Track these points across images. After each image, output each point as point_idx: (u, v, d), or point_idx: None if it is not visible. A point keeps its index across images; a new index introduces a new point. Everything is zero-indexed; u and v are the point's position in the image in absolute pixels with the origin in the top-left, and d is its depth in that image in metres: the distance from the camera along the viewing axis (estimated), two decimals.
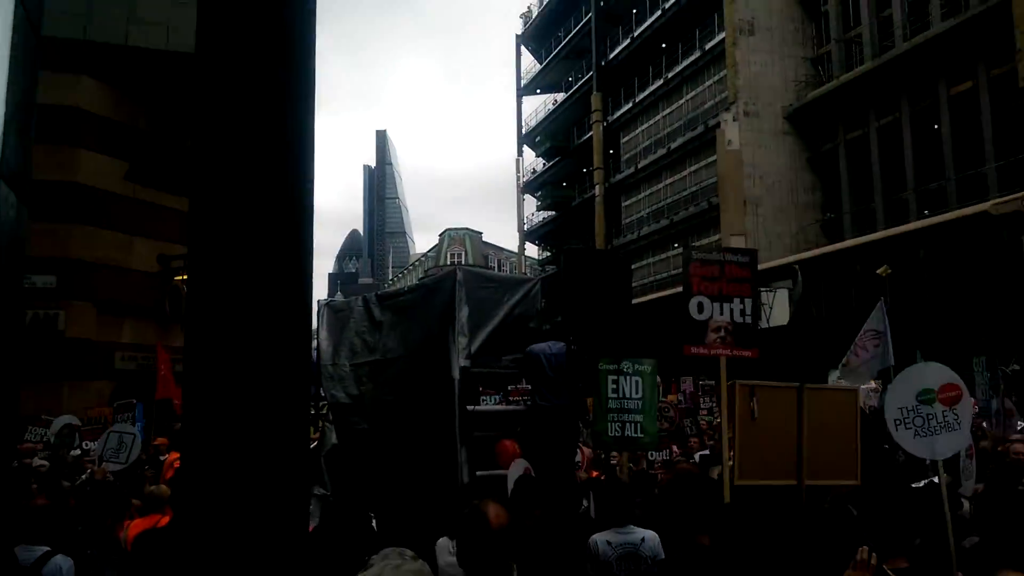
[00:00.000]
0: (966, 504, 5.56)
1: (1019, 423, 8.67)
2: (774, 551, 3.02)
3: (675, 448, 9.97)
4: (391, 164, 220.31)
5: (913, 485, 5.75)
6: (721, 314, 4.63)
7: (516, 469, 6.43)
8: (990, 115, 27.44)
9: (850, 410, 4.79)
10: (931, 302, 28.23)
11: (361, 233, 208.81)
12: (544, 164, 55.68)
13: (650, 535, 4.93)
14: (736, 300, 4.67)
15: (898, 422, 4.61)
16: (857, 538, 3.64)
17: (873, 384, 11.13)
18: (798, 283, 6.58)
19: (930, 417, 4.56)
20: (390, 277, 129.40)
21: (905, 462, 6.18)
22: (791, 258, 29.41)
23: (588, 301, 7.14)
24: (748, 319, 4.65)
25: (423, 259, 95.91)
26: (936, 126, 29.89)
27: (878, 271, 26.94)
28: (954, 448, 4.90)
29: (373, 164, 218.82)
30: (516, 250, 59.21)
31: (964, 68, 28.05)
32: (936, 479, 6.51)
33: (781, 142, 35.78)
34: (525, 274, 47.60)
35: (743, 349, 4.61)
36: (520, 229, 56.27)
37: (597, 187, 45.89)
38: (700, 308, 4.64)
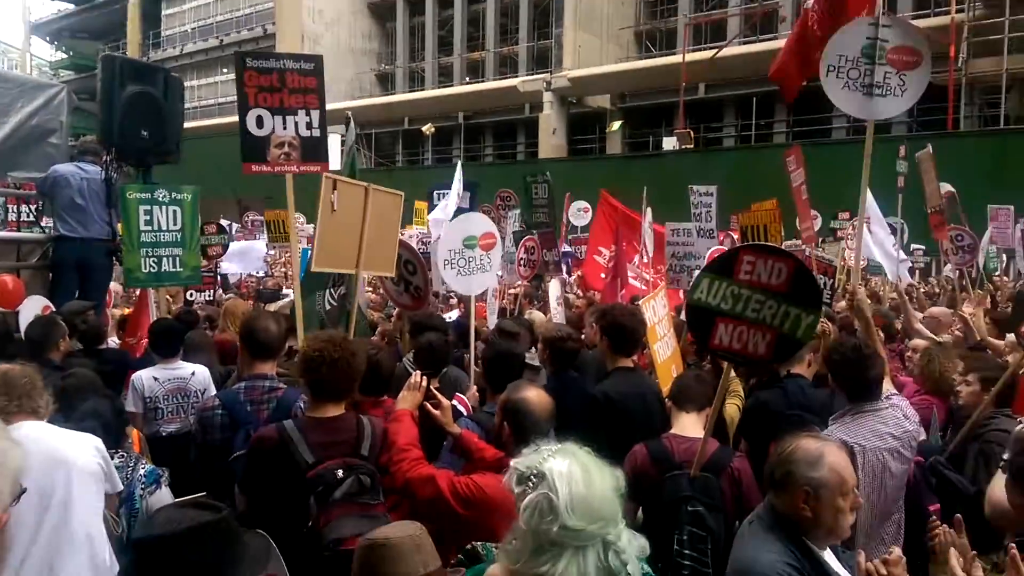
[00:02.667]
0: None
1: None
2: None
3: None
4: None
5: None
6: (284, 128, 4.17)
7: (32, 306, 5.53)
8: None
9: (396, 213, 5.11)
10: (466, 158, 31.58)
11: None
12: None
13: (200, 369, 4.81)
14: (301, 112, 4.24)
15: (446, 262, 5.20)
16: None
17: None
18: (350, 130, 6.60)
19: (471, 259, 5.27)
20: None
21: None
22: (346, 103, 29.67)
23: (132, 118, 6.19)
24: (316, 132, 4.26)
25: None
26: None
27: (423, 129, 29.19)
28: (485, 286, 5.71)
29: None
30: (19, 46, 48.19)
31: None
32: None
33: None
34: (32, 75, 39.21)
35: (311, 164, 4.29)
36: (25, 19, 45.85)
37: None
38: (259, 122, 4.12)
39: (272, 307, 6.09)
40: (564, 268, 11.06)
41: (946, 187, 10.75)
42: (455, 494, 2.87)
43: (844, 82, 4.00)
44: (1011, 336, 5.52)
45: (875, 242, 8.89)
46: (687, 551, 3.09)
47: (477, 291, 5.52)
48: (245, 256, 11.38)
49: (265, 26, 34.83)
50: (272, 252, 11.98)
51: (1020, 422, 3.35)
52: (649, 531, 3.19)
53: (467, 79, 32.93)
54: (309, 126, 4.26)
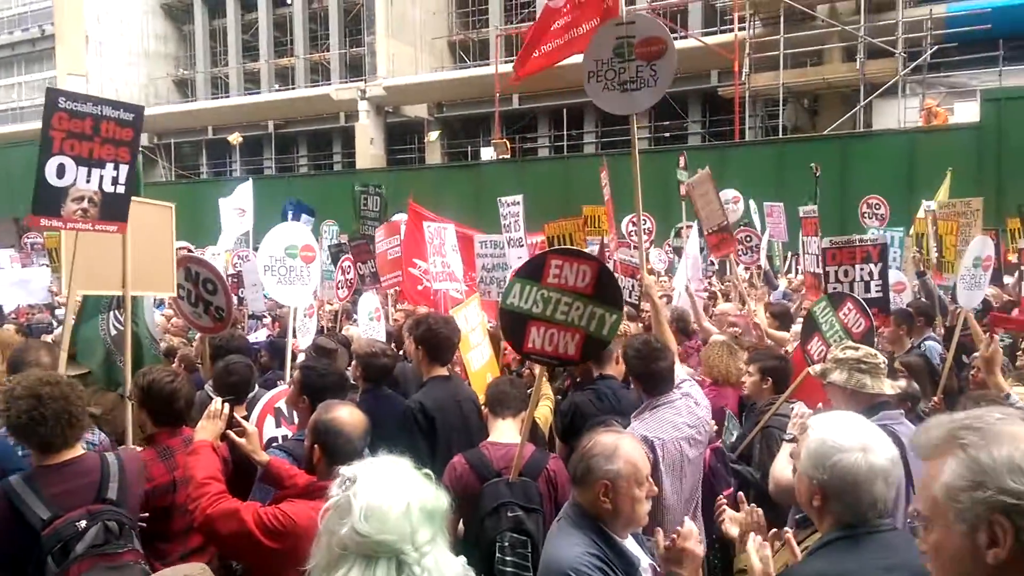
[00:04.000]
0: None
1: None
2: None
3: None
4: None
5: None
6: (87, 182, 3.65)
7: None
8: (337, 5, 30.09)
9: (167, 225, 4.75)
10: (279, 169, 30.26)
11: None
12: None
13: None
14: (110, 166, 3.73)
15: (267, 268, 5.25)
16: None
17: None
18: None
19: (292, 269, 5.32)
20: None
21: None
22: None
23: None
24: (121, 188, 3.80)
25: None
26: (289, 2, 31.39)
27: (230, 139, 27.66)
28: (303, 298, 5.81)
29: None
30: None
31: None
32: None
33: None
34: None
35: (108, 223, 3.74)
36: None
37: None
38: (60, 171, 3.60)
39: (49, 337, 5.48)
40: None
41: (732, 193, 11.76)
42: (262, 526, 2.68)
43: (604, 84, 4.20)
44: (796, 327, 6.02)
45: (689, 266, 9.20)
46: (508, 557, 3.11)
47: (295, 303, 5.48)
48: (28, 284, 10.18)
49: (43, 27, 31.54)
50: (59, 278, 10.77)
51: (792, 405, 3.72)
52: (473, 542, 3.21)
53: (276, 86, 31.68)
54: (115, 181, 3.75)
